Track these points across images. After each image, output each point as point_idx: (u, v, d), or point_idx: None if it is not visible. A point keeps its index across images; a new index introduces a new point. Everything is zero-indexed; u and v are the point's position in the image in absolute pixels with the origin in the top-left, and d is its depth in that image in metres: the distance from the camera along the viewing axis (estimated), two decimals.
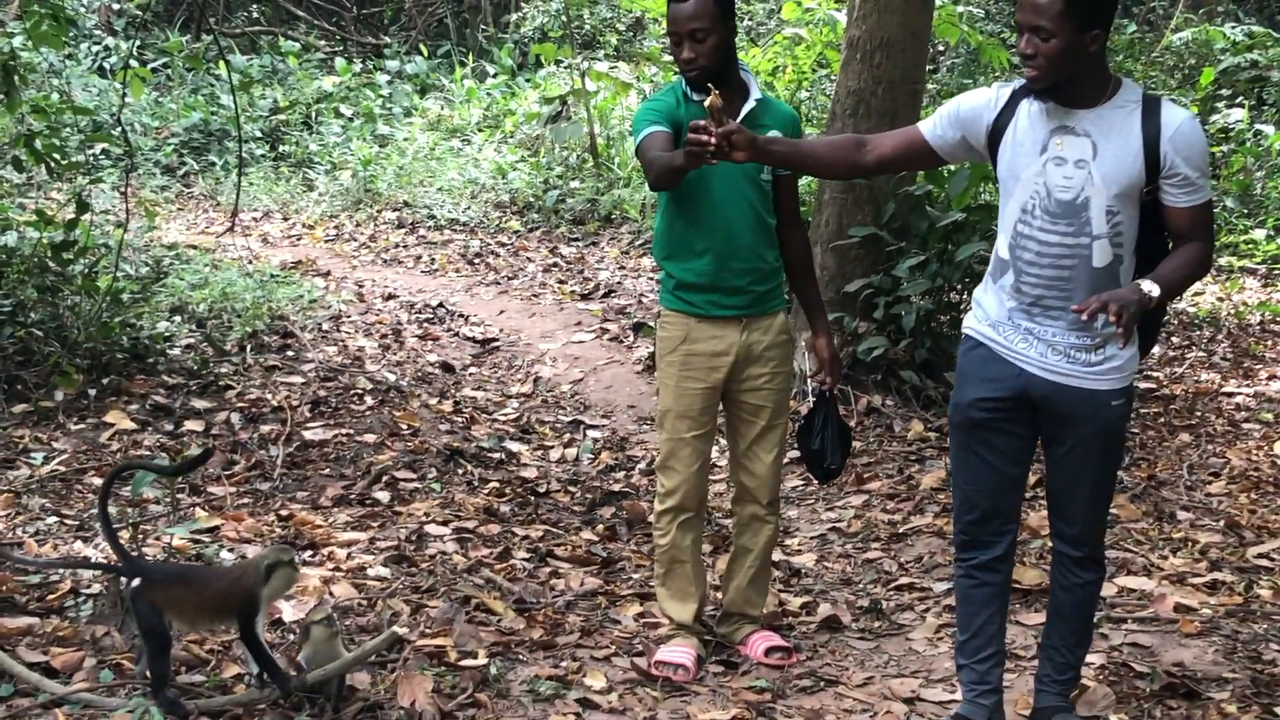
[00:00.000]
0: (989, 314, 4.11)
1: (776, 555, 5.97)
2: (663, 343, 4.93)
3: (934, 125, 4.14)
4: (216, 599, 4.29)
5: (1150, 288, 3.72)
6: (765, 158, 4.21)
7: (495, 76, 18.77)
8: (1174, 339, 9.75)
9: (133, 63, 9.13)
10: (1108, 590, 5.38)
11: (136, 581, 4.28)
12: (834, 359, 5.02)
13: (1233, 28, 15.87)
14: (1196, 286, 10.09)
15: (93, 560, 5.33)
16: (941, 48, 16.11)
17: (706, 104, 4.16)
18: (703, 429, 4.91)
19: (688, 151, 4.13)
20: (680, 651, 4.95)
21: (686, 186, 4.66)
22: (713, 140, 4.03)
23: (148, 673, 4.23)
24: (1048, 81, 3.81)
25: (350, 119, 17.43)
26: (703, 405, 4.88)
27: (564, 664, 4.92)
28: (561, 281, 11.68)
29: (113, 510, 5.91)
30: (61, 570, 5.23)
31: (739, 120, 4.55)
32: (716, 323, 4.81)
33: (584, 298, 11.15)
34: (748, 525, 5.11)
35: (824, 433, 5.04)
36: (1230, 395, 8.42)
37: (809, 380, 7.71)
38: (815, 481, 7.09)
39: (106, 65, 17.75)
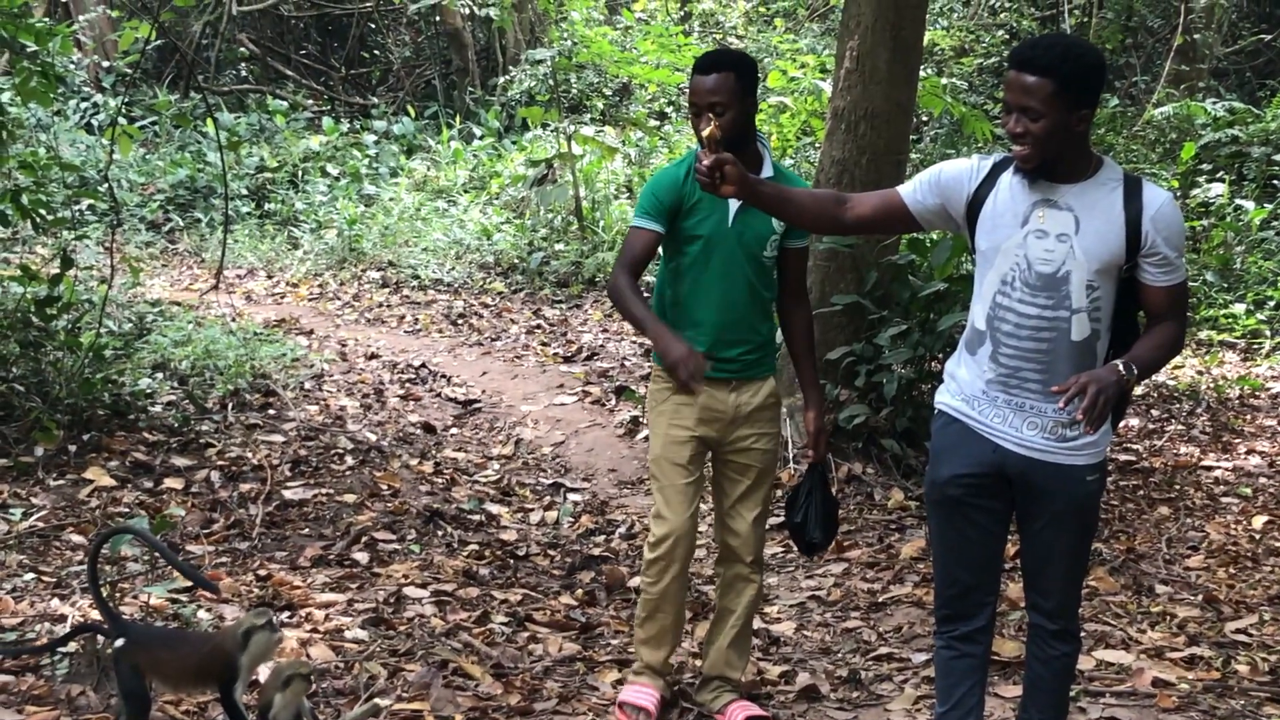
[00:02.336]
0: (963, 388, 4.12)
1: (756, 623, 5.96)
2: (653, 396, 5.03)
3: (914, 190, 4.16)
4: (198, 664, 4.29)
5: (1128, 368, 3.75)
6: (751, 196, 4.20)
7: (482, 138, 18.86)
8: (1153, 412, 9.79)
9: (121, 120, 9.15)
10: (1086, 663, 5.38)
11: (120, 642, 4.27)
12: (820, 433, 5.05)
13: (1214, 103, 16.04)
14: (1176, 360, 10.15)
15: (70, 624, 5.29)
16: (925, 118, 16.25)
17: (705, 134, 4.20)
18: (691, 476, 4.95)
19: (700, 183, 4.11)
20: (644, 693, 5.04)
21: (688, 259, 4.83)
22: (704, 169, 4.06)
23: None
24: (1038, 160, 3.84)
25: (336, 178, 17.49)
26: (691, 453, 4.93)
27: None
28: (544, 344, 11.70)
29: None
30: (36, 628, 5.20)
31: None
32: (707, 384, 4.78)
33: (567, 360, 11.17)
34: (731, 585, 5.12)
35: (808, 506, 5.07)
36: (1209, 469, 8.45)
37: (794, 452, 7.74)
38: (797, 550, 7.12)
39: (94, 121, 17.81)
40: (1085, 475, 4.01)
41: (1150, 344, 3.91)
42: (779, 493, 7.28)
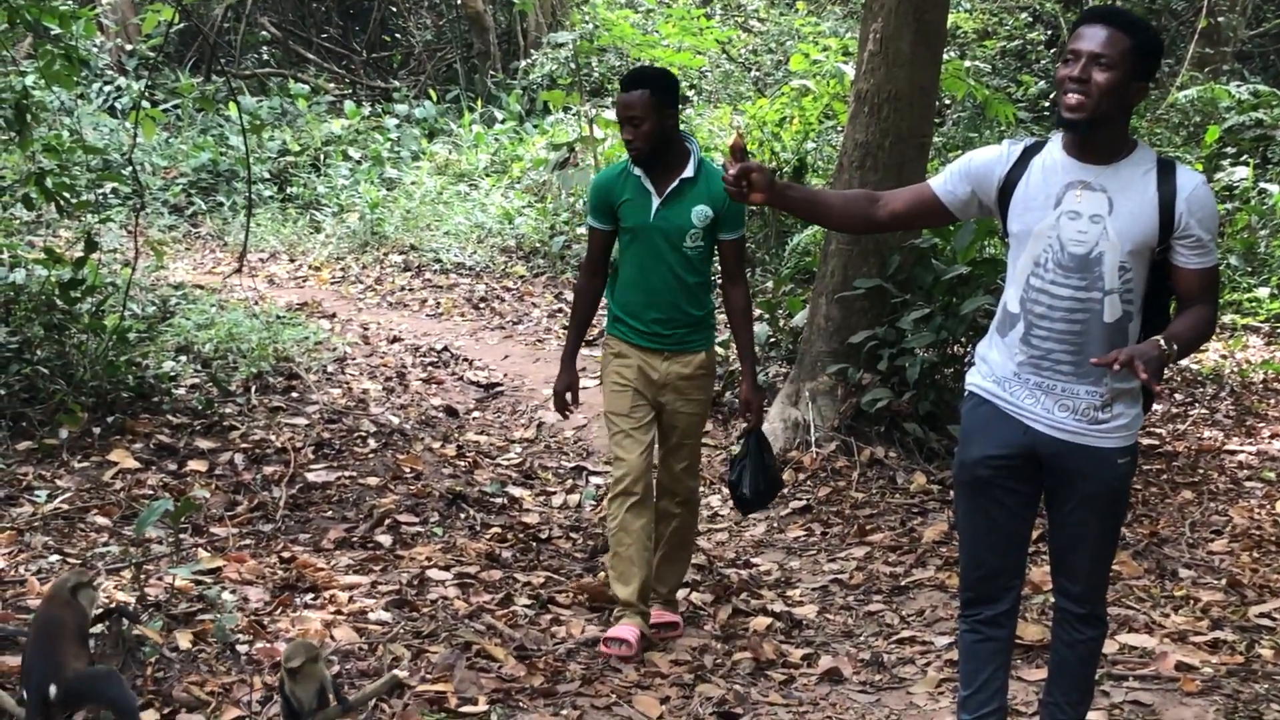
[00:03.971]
0: (994, 370, 4.12)
1: (778, 606, 6.18)
2: (603, 361, 5.80)
3: (944, 181, 4.17)
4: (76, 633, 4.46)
5: (1168, 343, 3.74)
6: (781, 203, 4.24)
7: (503, 122, 18.85)
8: (1177, 396, 9.76)
9: (144, 103, 9.17)
10: (1109, 647, 5.37)
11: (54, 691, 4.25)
12: (750, 403, 5.72)
13: (1238, 86, 15.94)
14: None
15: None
16: (948, 101, 16.19)
17: (730, 144, 4.24)
18: (638, 424, 5.63)
19: (729, 193, 4.22)
20: (624, 629, 5.58)
21: (624, 247, 5.64)
22: (731, 178, 4.09)
23: None
24: (1090, 113, 3.80)
25: (358, 162, 17.49)
26: (633, 404, 5.63)
27: (564, 712, 4.92)
28: (566, 327, 11.68)
29: (115, 549, 5.94)
30: None
31: (670, 189, 5.47)
32: (643, 350, 5.62)
33: (588, 344, 11.15)
34: (663, 516, 5.83)
35: (742, 468, 5.78)
36: (1233, 453, 8.41)
37: (816, 435, 7.80)
38: (816, 535, 7.13)
39: (117, 105, 17.83)
40: (1116, 458, 4.01)
41: (1186, 324, 3.90)
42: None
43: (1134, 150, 3.92)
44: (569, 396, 5.81)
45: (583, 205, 14.73)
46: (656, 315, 5.58)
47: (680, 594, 6.16)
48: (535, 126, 18.27)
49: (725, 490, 7.78)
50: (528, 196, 15.61)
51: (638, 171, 5.52)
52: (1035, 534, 5.83)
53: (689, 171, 5.49)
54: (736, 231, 5.61)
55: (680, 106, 5.58)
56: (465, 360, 10.58)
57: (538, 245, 14.41)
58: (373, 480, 7.42)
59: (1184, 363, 10.29)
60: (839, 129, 11.94)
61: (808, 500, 7.58)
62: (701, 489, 7.80)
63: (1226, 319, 11.64)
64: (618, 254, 5.71)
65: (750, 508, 5.97)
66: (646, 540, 5.63)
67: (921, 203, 4.23)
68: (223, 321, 9.63)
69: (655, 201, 5.49)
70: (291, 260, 14.53)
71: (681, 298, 5.59)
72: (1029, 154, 4.04)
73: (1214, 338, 10.88)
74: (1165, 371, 3.89)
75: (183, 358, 8.75)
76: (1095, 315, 3.91)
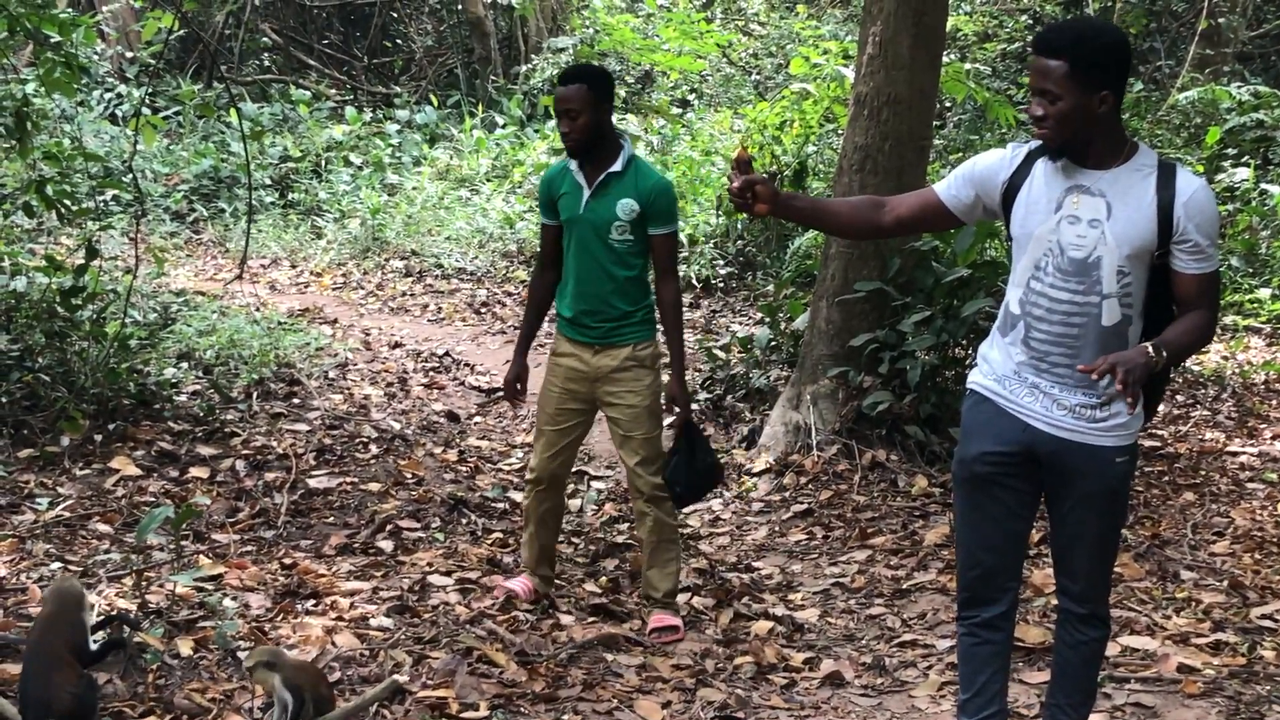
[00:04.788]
0: (995, 368, 4.13)
1: (779, 610, 6.17)
2: (547, 358, 6.06)
3: (949, 186, 4.18)
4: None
5: (1156, 350, 3.74)
6: (786, 213, 4.26)
7: (504, 127, 18.85)
8: (1178, 397, 9.75)
9: (145, 110, 9.17)
10: (1111, 649, 5.37)
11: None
12: (677, 396, 5.93)
13: (1239, 87, 15.93)
14: None
15: (96, 613, 5.32)
16: (948, 104, 16.20)
17: (735, 157, 4.26)
18: (556, 426, 5.93)
19: (734, 204, 4.24)
20: (518, 582, 6.09)
21: (564, 239, 5.87)
22: (735, 190, 4.09)
23: None
24: (1058, 142, 3.86)
25: (360, 168, 17.50)
26: (556, 407, 5.92)
27: (565, 717, 4.92)
28: None
29: (116, 556, 5.94)
30: None
31: (598, 181, 5.68)
32: (575, 343, 5.87)
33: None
34: (638, 518, 6.05)
35: (674, 459, 5.91)
36: (1234, 455, 8.41)
37: (817, 439, 7.81)
38: (818, 539, 7.13)
39: (118, 112, 17.84)
40: (1115, 457, 4.01)
41: (1180, 329, 3.91)
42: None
43: (1134, 153, 3.92)
44: (519, 386, 6.11)
45: None
46: (584, 307, 5.81)
47: (681, 599, 6.17)
48: (536, 131, 18.27)
49: (727, 494, 7.80)
50: (529, 201, 15.60)
51: (574, 167, 5.76)
52: (1036, 536, 5.86)
53: (618, 166, 5.69)
54: (667, 227, 5.76)
55: (613, 103, 5.79)
56: (466, 365, 10.59)
57: (539, 250, 14.38)
58: (374, 486, 7.42)
59: (1185, 363, 10.28)
60: (839, 132, 11.93)
61: (809, 504, 7.58)
62: None
63: (1228, 320, 11.63)
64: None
65: (685, 501, 6.08)
66: (548, 520, 6.09)
67: (927, 208, 4.24)
68: (224, 328, 9.64)
69: (586, 194, 5.72)
70: (293, 266, 14.53)
71: (609, 291, 5.77)
72: (1033, 157, 4.05)
73: (1215, 339, 10.89)
74: (1171, 373, 3.89)
75: (184, 364, 8.75)
76: (1093, 319, 3.91)
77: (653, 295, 5.89)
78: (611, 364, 5.81)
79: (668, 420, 6.07)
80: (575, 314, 5.83)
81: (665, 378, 5.99)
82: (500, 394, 9.77)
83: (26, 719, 4.29)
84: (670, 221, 5.77)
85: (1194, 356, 10.32)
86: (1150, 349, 3.75)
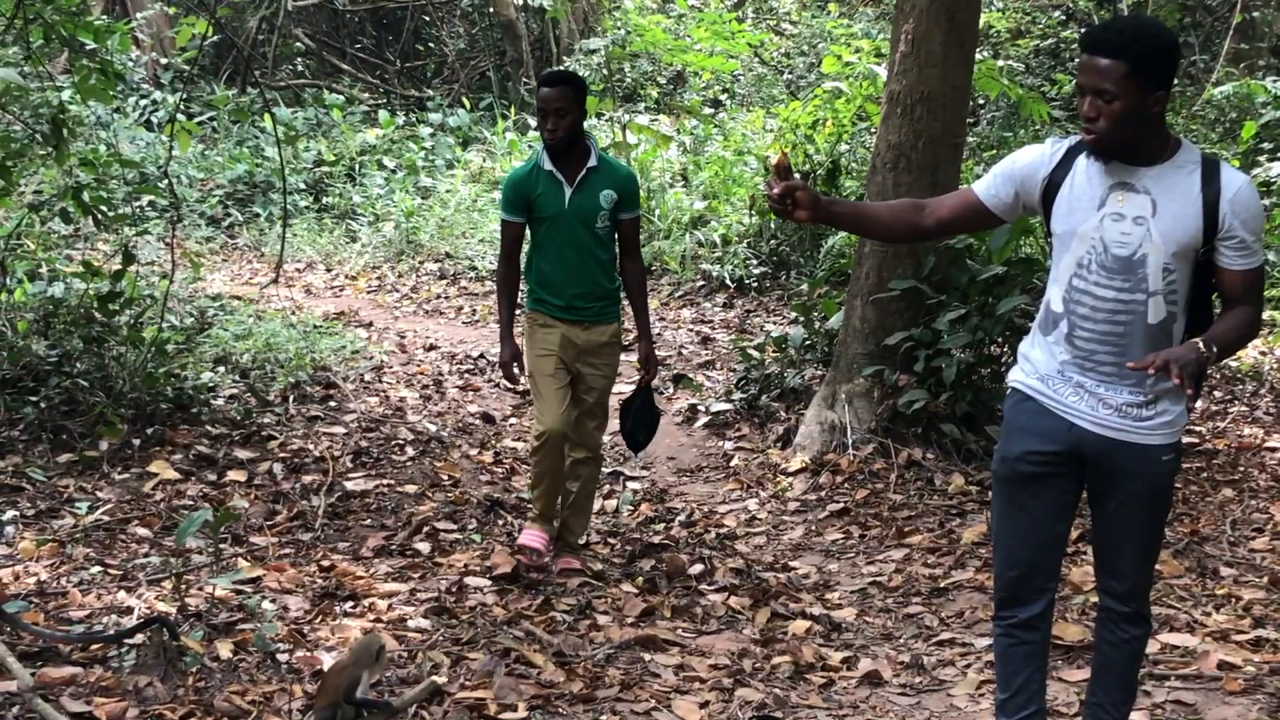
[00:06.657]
0: (1037, 367, 4.09)
1: (817, 609, 6.17)
2: (528, 332, 6.50)
3: (988, 185, 4.14)
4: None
5: (1207, 346, 3.71)
6: (826, 219, 4.22)
7: (537, 129, 18.84)
8: (1216, 393, 9.69)
9: (179, 116, 9.22)
10: (1151, 647, 5.33)
11: None
12: (648, 358, 6.63)
13: (1274, 82, 15.80)
14: None
15: (136, 616, 5.36)
16: (982, 101, 16.13)
17: (773, 163, 4.24)
18: (559, 383, 6.35)
19: (774, 211, 4.24)
20: (534, 535, 6.45)
21: (541, 235, 6.37)
22: (775, 197, 4.08)
23: None
24: (1108, 144, 3.81)
25: (393, 171, 17.55)
26: (555, 366, 6.35)
27: (604, 717, 4.92)
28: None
29: (155, 560, 5.98)
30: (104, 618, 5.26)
31: (578, 180, 6.24)
32: (566, 323, 6.37)
33: (624, 349, 11.15)
34: (573, 469, 6.56)
35: (636, 414, 6.77)
36: (1273, 450, 8.35)
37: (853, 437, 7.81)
38: (854, 538, 7.11)
39: (153, 118, 17.95)
40: (1161, 455, 3.99)
41: (1228, 325, 3.88)
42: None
43: (1178, 150, 3.88)
44: (516, 369, 6.53)
45: None
46: (576, 290, 6.36)
47: (718, 598, 6.19)
48: None
49: (762, 494, 7.79)
50: None
51: (548, 166, 6.28)
52: (1075, 534, 5.83)
53: (594, 162, 6.31)
54: (634, 211, 6.47)
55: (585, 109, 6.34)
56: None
57: (501, 245, 14.37)
58: (411, 488, 7.45)
59: (1224, 360, 10.20)
60: (872, 131, 11.90)
61: (845, 503, 7.56)
62: (739, 494, 7.84)
63: (1266, 315, 11.53)
64: (532, 244, 6.48)
65: (640, 449, 7.07)
66: (560, 476, 6.47)
67: (967, 208, 4.21)
68: (260, 332, 9.68)
69: (568, 190, 6.28)
70: (328, 270, 14.59)
71: (598, 273, 6.40)
72: (1073, 154, 4.00)
73: None
74: (1208, 371, 3.86)
75: (221, 368, 8.79)
76: (1139, 317, 3.88)
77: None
78: (600, 340, 6.46)
79: (633, 381, 6.84)
80: (568, 300, 6.37)
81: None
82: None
83: None
84: (638, 206, 6.51)
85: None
86: (1201, 344, 3.71)
